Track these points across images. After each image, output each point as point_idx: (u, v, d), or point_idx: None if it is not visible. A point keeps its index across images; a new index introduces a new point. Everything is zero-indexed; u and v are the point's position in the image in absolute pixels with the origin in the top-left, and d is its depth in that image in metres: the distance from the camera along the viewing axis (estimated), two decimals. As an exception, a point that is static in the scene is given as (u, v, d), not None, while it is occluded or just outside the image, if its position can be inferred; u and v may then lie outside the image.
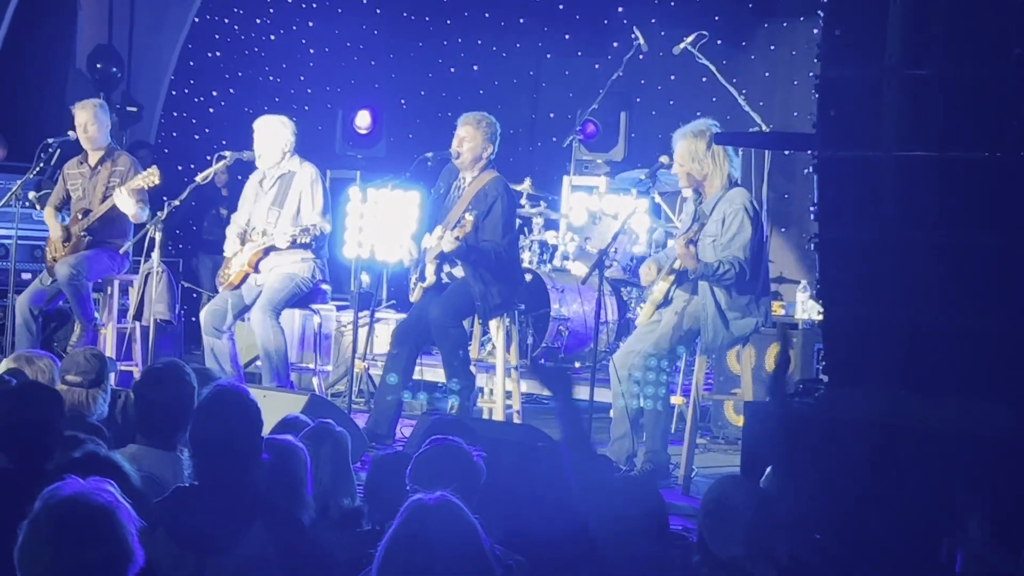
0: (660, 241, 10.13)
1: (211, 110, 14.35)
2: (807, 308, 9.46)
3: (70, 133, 9.76)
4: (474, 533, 3.43)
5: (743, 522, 4.14)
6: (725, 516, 4.18)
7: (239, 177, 12.83)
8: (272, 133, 9.13)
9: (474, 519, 3.45)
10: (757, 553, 4.10)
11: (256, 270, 9.00)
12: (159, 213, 8.86)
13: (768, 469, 4.99)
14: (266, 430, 4.62)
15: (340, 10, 14.13)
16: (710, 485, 4.39)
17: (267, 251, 8.98)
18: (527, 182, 10.75)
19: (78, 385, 6.10)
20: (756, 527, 4.14)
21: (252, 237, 9.05)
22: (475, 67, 14.10)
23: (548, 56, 13.94)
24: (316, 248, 9.02)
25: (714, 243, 7.58)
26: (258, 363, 9.18)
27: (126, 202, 9.27)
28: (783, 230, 12.10)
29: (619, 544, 4.21)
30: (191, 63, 14.28)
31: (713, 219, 7.62)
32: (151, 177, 9.26)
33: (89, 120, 9.55)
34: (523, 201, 10.66)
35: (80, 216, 9.48)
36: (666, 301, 7.86)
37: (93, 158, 9.61)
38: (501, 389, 8.79)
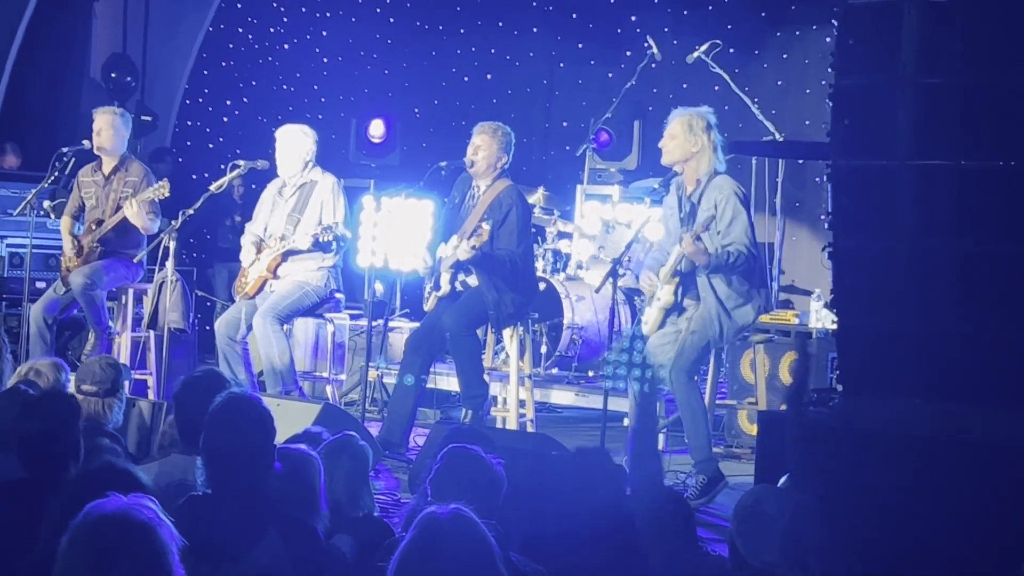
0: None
1: (225, 119, 14.38)
2: (821, 317, 9.44)
3: (84, 142, 9.77)
4: (487, 546, 3.41)
5: (777, 529, 4.12)
6: (760, 523, 4.18)
7: (253, 186, 12.87)
8: (294, 143, 9.14)
9: (488, 532, 3.44)
10: (791, 560, 4.09)
11: (275, 275, 9.00)
12: (173, 222, 8.87)
13: (783, 478, 4.98)
14: (280, 440, 4.62)
15: (354, 19, 14.15)
16: (744, 493, 4.38)
17: (286, 256, 8.98)
18: (540, 191, 10.75)
19: (93, 394, 6.11)
20: (790, 535, 4.13)
21: (269, 244, 9.05)
22: (488, 76, 14.11)
23: (561, 65, 13.94)
24: (336, 248, 9.02)
25: (709, 231, 7.53)
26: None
27: (136, 213, 9.27)
28: (794, 238, 12.08)
29: (658, 550, 4.22)
30: (205, 72, 14.32)
31: (703, 208, 7.56)
32: (161, 190, 9.27)
33: (104, 126, 9.57)
34: (536, 210, 10.65)
35: (94, 226, 9.49)
36: (677, 304, 7.76)
37: (107, 166, 9.62)
38: (515, 398, 8.78)
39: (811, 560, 4.11)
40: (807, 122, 11.54)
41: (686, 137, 7.67)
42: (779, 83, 12.43)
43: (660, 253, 7.98)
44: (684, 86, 12.53)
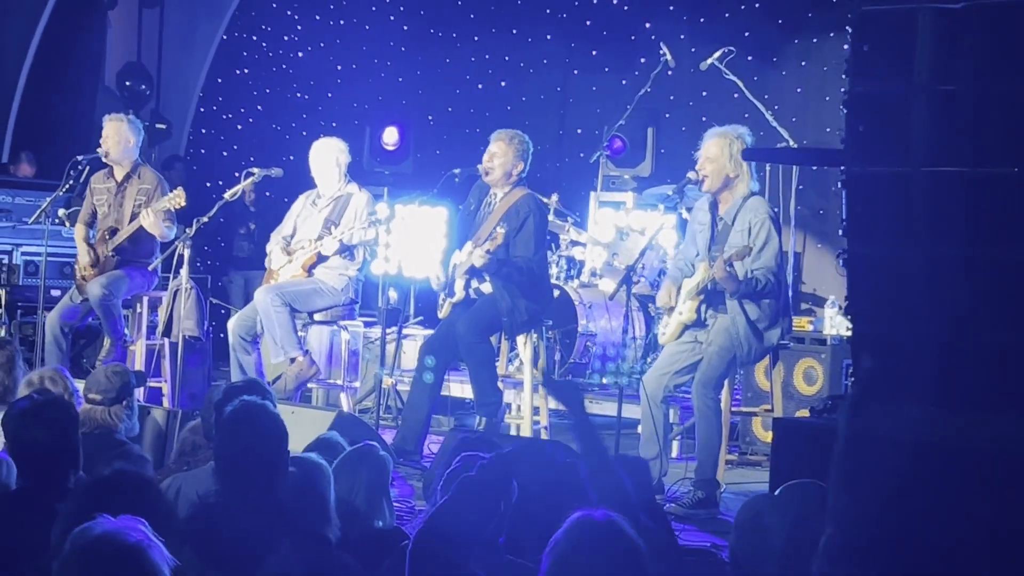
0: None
1: (239, 127, 14.40)
2: (835, 324, 9.42)
3: (99, 150, 9.80)
4: (638, 553, 3.41)
5: (778, 540, 4.09)
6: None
7: (267, 194, 12.90)
8: (330, 157, 9.17)
9: (639, 539, 3.44)
10: (792, 572, 4.06)
11: (309, 274, 9.02)
12: (187, 230, 8.87)
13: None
14: (296, 446, 4.61)
15: (367, 27, 14.17)
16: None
17: (321, 257, 9.01)
18: (554, 198, 10.74)
19: (99, 403, 6.10)
20: (791, 545, 4.10)
21: (303, 245, 9.07)
22: (502, 83, 14.12)
23: (575, 72, 13.94)
24: (363, 258, 9.05)
25: (743, 261, 7.46)
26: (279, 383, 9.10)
27: (153, 223, 9.27)
28: (819, 246, 12.05)
29: None
30: (219, 80, 14.35)
31: (736, 229, 7.49)
32: (177, 199, 9.25)
33: (111, 133, 9.58)
34: (550, 216, 10.63)
35: (108, 235, 9.49)
36: (699, 320, 7.67)
37: (119, 173, 9.63)
38: (529, 405, 8.78)
39: (814, 571, 4.08)
40: (827, 129, 11.52)
41: (726, 163, 7.49)
42: (798, 90, 12.41)
43: (684, 264, 7.87)
44: (703, 94, 12.51)
